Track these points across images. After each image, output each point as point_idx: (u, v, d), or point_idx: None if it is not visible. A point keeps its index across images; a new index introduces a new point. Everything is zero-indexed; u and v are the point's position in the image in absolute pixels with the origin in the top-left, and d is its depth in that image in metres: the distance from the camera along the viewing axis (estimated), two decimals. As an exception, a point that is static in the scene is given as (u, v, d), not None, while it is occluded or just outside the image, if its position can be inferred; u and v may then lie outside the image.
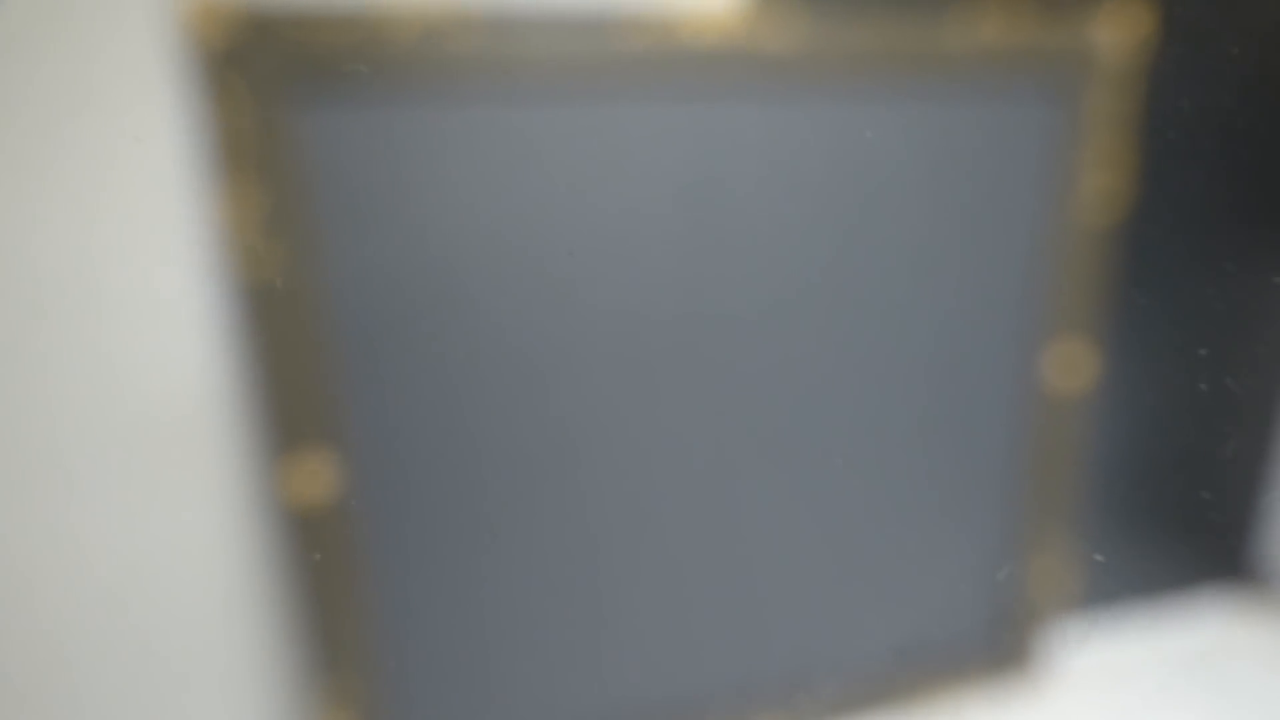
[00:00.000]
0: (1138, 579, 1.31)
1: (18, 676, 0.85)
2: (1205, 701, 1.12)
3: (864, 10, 0.88)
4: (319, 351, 0.76)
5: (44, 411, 0.78)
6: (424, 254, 0.78)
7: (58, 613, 0.84)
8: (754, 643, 1.06)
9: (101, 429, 0.80)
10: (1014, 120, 0.93)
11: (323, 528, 0.81)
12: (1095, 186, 0.96)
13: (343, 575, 0.83)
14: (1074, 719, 1.11)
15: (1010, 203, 0.96)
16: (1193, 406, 1.21)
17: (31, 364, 0.76)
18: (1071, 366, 1.02)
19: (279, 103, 0.69)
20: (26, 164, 0.71)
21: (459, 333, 0.81)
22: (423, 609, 0.90)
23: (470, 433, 0.85)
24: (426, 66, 0.72)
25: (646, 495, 0.94)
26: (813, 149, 0.87)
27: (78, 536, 0.82)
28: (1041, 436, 1.06)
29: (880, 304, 0.94)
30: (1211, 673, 1.18)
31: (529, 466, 0.88)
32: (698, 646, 1.03)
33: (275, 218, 0.71)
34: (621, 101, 0.79)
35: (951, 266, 0.96)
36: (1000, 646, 1.15)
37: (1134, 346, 1.14)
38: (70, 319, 0.76)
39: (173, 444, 0.82)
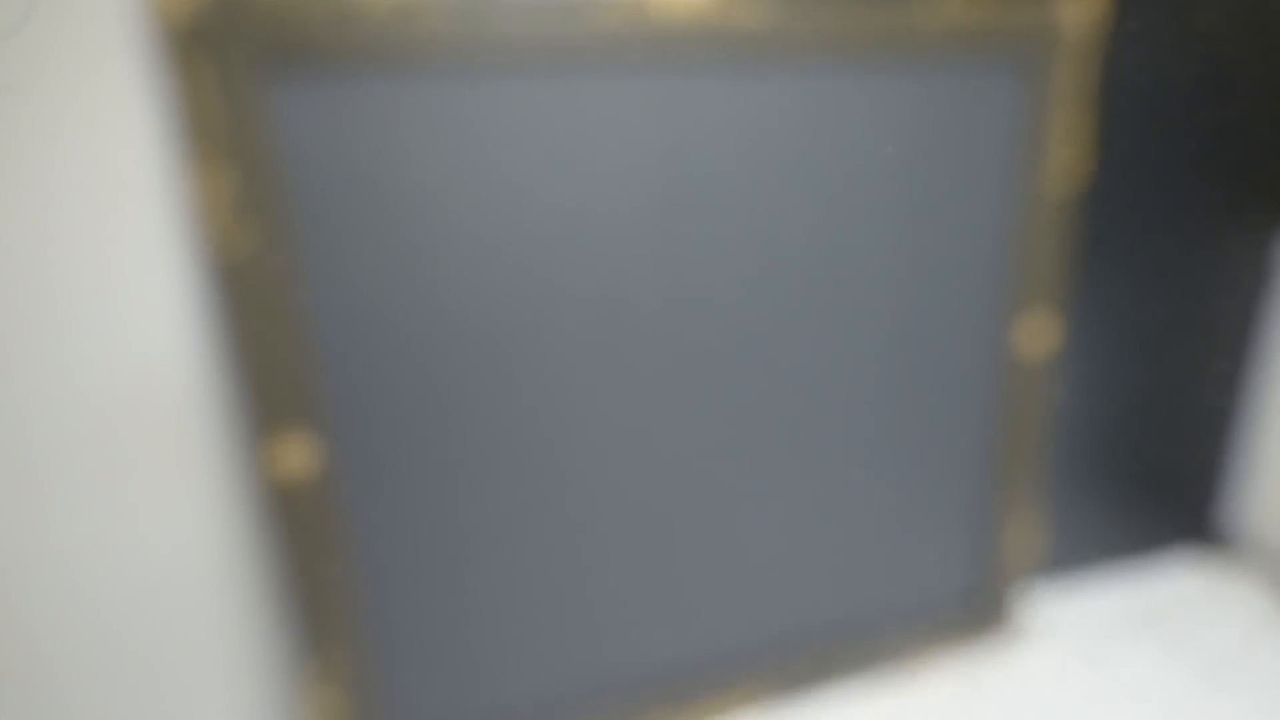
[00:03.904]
0: (1106, 540, 1.34)
1: (3, 673, 0.84)
2: (1169, 656, 1.16)
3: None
4: (295, 330, 0.76)
5: (16, 400, 0.77)
6: (398, 231, 0.78)
7: (40, 608, 0.83)
8: (734, 611, 1.07)
9: (77, 415, 0.79)
10: (980, 95, 0.94)
11: (304, 505, 0.81)
12: (1058, 158, 0.98)
13: (326, 551, 0.83)
14: (1044, 674, 1.14)
15: (978, 175, 0.97)
16: (1159, 371, 1.24)
17: (2, 354, 0.75)
18: (1038, 333, 1.05)
19: (249, 80, 0.69)
20: (-5, 148, 0.70)
21: (436, 308, 0.81)
22: (406, 583, 0.90)
23: (450, 408, 0.85)
24: (397, 44, 0.72)
25: (626, 469, 0.94)
26: (784, 125, 0.88)
27: (57, 528, 0.82)
28: (1011, 401, 1.08)
29: (853, 275, 0.96)
30: (1175, 629, 1.21)
31: (510, 440, 0.88)
32: (679, 617, 1.05)
33: (246, 195, 0.71)
34: (594, 79, 0.80)
35: (922, 238, 0.97)
36: (974, 607, 1.18)
37: (1097, 314, 1.16)
38: (39, 304, 0.75)
39: (151, 427, 0.81)
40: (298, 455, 0.79)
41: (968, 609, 1.18)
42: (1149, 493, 1.33)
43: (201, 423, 0.82)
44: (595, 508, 0.95)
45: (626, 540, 0.98)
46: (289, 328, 0.75)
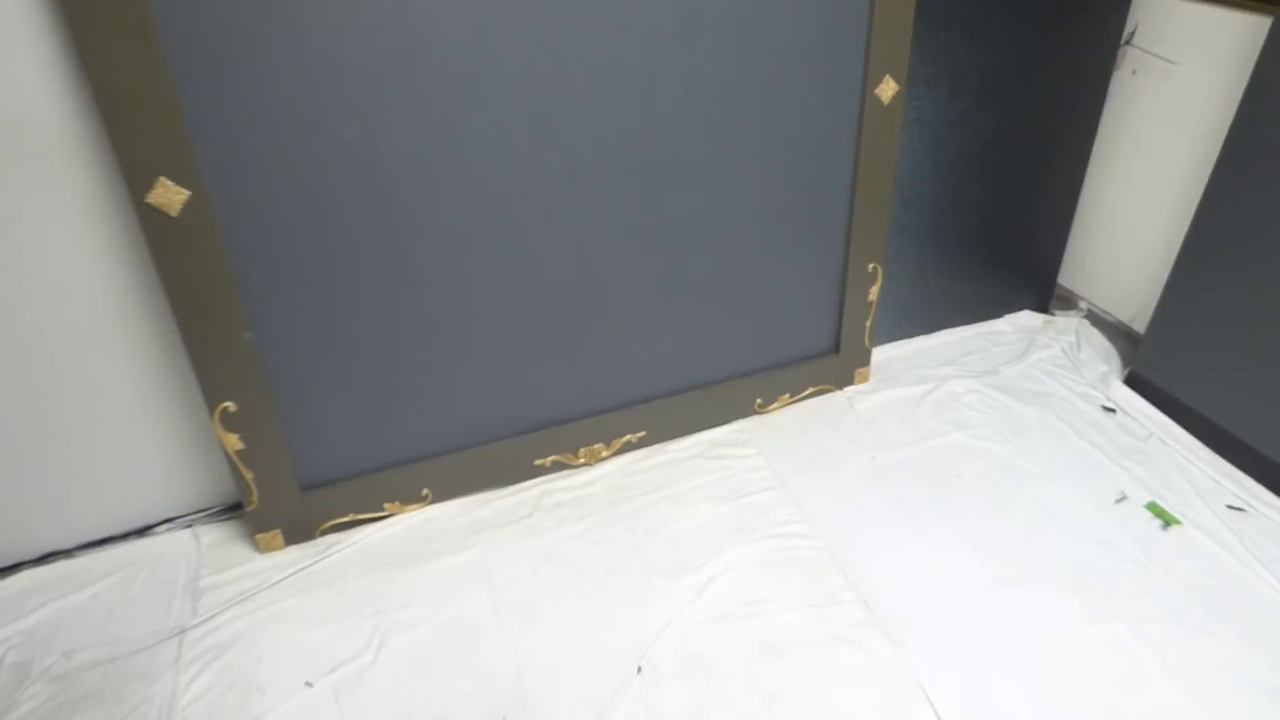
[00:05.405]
0: (952, 300, 1.48)
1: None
2: (988, 384, 1.34)
3: None
4: (160, 58, 0.74)
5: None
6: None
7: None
8: (617, 362, 1.14)
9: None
10: None
11: (183, 237, 0.82)
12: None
13: (211, 281, 0.86)
14: (883, 397, 1.31)
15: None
16: (1004, 130, 1.32)
17: None
18: (890, 85, 1.09)
19: None
20: None
21: (303, 39, 0.81)
22: (306, 329, 0.94)
23: (327, 140, 0.86)
24: None
25: (509, 207, 0.98)
26: None
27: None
28: (867, 166, 1.13)
29: (721, 31, 0.98)
30: (998, 364, 1.39)
31: (389, 174, 0.90)
32: (562, 366, 1.10)
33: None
34: None
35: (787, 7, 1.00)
36: (831, 355, 1.30)
37: (945, 72, 1.22)
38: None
39: (31, 173, 0.80)
40: (171, 188, 0.80)
41: (825, 357, 1.30)
42: (995, 258, 1.46)
43: (79, 170, 0.81)
44: (474, 243, 0.99)
45: (508, 276, 1.03)
46: (153, 53, 0.74)
